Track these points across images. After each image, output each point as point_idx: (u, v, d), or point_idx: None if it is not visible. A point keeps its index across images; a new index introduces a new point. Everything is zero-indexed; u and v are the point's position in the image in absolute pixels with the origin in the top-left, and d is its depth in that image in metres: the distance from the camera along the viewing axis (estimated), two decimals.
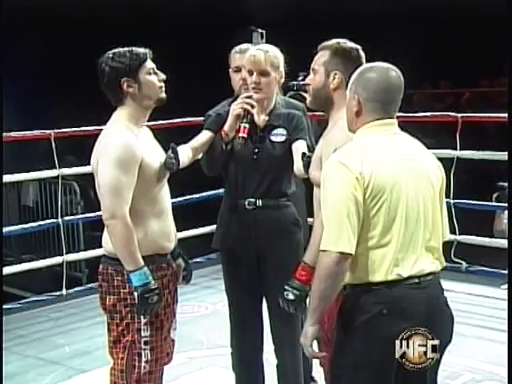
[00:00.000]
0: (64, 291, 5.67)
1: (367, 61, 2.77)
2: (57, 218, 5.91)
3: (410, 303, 2.43)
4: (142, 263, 2.83)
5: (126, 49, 2.91)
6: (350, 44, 2.90)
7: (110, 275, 2.91)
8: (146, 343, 2.91)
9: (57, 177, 5.72)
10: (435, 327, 2.45)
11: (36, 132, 5.64)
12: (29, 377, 4.35)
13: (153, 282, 2.84)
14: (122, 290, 2.88)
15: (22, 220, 7.56)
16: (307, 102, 2.99)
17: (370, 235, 2.42)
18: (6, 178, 5.47)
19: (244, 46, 3.67)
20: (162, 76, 2.96)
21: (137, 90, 2.89)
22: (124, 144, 2.82)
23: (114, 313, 2.92)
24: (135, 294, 2.82)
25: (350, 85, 2.56)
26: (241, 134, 3.20)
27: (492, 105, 9.83)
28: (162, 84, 2.95)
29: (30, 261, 6.23)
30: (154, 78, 2.93)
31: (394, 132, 2.53)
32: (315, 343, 2.55)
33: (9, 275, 5.56)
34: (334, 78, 2.82)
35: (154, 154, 2.94)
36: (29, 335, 5.04)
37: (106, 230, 2.90)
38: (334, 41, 2.91)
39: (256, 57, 3.22)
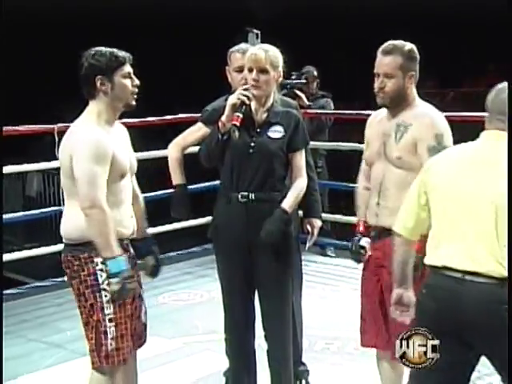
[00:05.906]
0: (66, 278, 5.78)
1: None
2: (59, 205, 6.05)
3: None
4: (120, 251, 2.93)
5: (108, 49, 3.02)
6: (409, 44, 3.23)
7: (69, 262, 3.03)
8: (110, 320, 2.99)
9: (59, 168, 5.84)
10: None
11: (40, 126, 5.75)
12: (33, 359, 4.43)
13: (129, 268, 2.95)
14: (81, 273, 2.99)
15: (25, 210, 7.68)
16: (381, 103, 3.24)
17: (433, 224, 2.62)
18: (11, 168, 5.56)
19: (243, 45, 3.76)
20: (137, 81, 3.06)
21: (109, 90, 3.00)
22: (96, 141, 2.92)
23: (79, 296, 3.03)
24: (112, 280, 2.91)
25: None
26: (233, 122, 3.26)
27: (477, 104, 9.92)
28: (136, 90, 3.06)
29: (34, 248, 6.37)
30: (128, 81, 3.03)
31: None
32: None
33: (14, 262, 5.64)
34: (411, 78, 3.21)
35: (122, 152, 3.02)
36: (33, 320, 5.13)
37: (70, 218, 3.01)
38: (397, 44, 3.21)
39: (257, 55, 3.30)
